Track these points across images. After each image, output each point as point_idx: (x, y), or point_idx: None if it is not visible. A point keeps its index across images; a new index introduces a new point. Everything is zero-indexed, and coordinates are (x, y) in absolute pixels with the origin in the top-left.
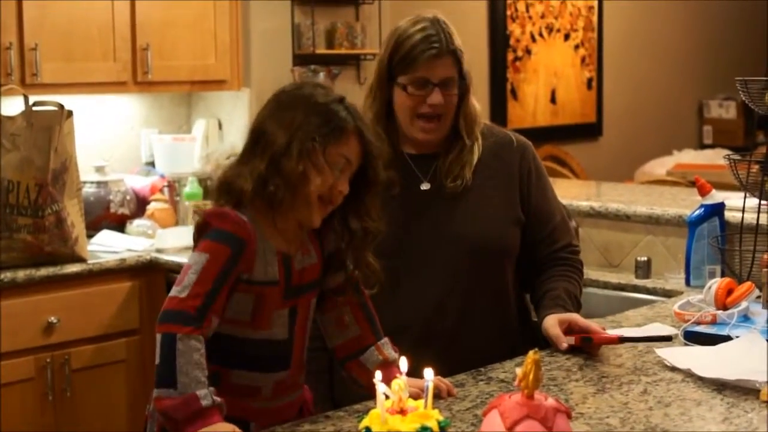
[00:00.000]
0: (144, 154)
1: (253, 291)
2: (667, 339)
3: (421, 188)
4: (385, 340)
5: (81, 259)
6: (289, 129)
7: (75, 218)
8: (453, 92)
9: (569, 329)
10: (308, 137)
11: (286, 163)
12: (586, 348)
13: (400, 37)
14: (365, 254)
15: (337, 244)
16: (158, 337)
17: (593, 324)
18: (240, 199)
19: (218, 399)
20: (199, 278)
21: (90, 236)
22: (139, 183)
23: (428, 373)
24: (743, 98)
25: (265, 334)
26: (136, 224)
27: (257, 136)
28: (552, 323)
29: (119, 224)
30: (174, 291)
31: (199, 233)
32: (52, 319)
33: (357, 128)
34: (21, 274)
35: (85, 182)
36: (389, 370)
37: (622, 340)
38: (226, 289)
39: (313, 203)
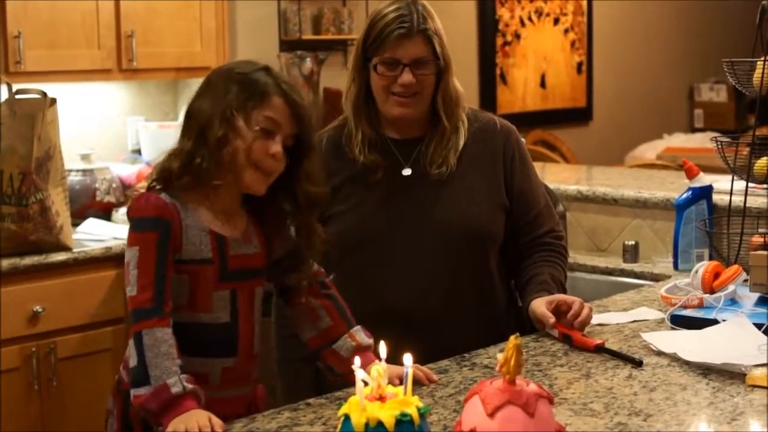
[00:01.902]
0: (130, 141)
1: (187, 271)
2: (638, 363)
3: (403, 173)
4: (358, 327)
5: (66, 248)
6: (211, 102)
7: (60, 207)
8: (426, 72)
9: (556, 312)
10: (228, 105)
11: (209, 133)
12: (566, 342)
13: (374, 19)
14: (311, 222)
15: (290, 246)
16: (131, 340)
17: (577, 302)
18: (169, 180)
19: (190, 386)
20: (139, 271)
21: (76, 224)
22: (125, 171)
23: (407, 359)
24: (730, 80)
25: (206, 318)
26: (122, 212)
27: (187, 118)
28: (539, 303)
29: (105, 212)
30: (127, 292)
31: (129, 221)
32: (38, 308)
33: (281, 90)
34: (5, 263)
35: (70, 170)
36: (364, 355)
37: (598, 349)
38: (170, 272)
39: (242, 170)
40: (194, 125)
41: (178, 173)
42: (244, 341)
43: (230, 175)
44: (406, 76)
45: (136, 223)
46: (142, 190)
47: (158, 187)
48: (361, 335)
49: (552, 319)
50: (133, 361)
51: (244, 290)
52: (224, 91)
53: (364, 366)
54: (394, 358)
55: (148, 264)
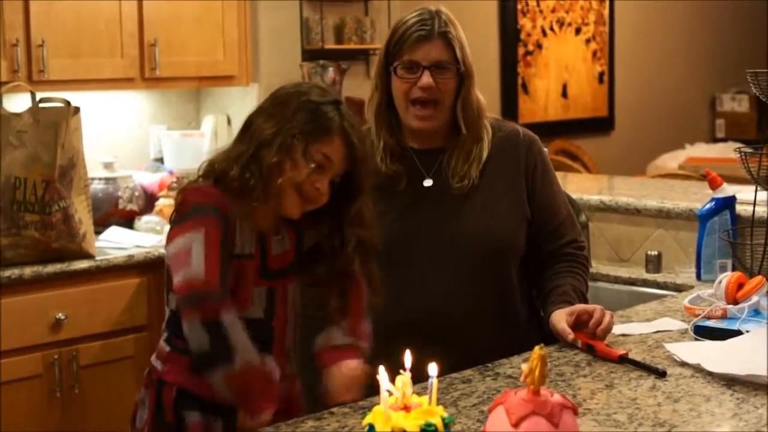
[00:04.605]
0: (152, 150)
1: (233, 264)
2: (662, 374)
3: (424, 184)
4: (345, 325)
5: (89, 256)
6: (276, 123)
7: (82, 214)
8: (446, 77)
9: (577, 322)
10: (291, 132)
11: (265, 154)
12: (589, 352)
13: (396, 25)
14: (369, 268)
15: (318, 239)
16: (194, 325)
17: (597, 310)
18: (220, 181)
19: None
20: (206, 254)
21: (98, 232)
22: (148, 179)
23: (432, 368)
24: (754, 91)
25: (243, 313)
26: (145, 220)
27: (247, 127)
28: (559, 317)
29: (128, 220)
30: (188, 274)
31: (180, 210)
32: (60, 315)
33: (343, 130)
34: (28, 271)
35: (93, 178)
36: (334, 353)
37: (621, 360)
38: (228, 258)
39: (286, 195)
40: (253, 140)
41: (230, 180)
42: (279, 338)
43: (276, 200)
44: (426, 79)
45: (197, 208)
46: (165, 200)
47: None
48: (337, 333)
49: (571, 335)
50: (204, 345)
51: (280, 289)
52: (291, 115)
53: (333, 363)
54: (416, 369)
55: (214, 247)
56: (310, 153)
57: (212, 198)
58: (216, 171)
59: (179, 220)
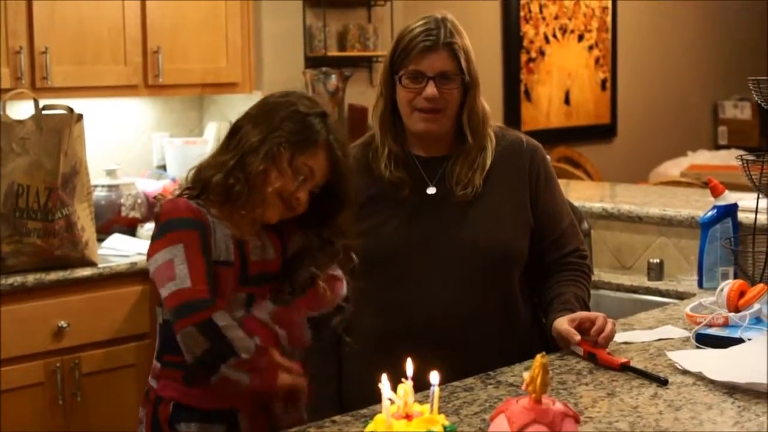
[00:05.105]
0: (155, 157)
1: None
2: (664, 382)
3: (427, 192)
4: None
5: (91, 263)
6: (263, 130)
7: (85, 222)
8: (451, 87)
9: (579, 329)
10: (278, 141)
11: (251, 161)
12: (591, 361)
13: (401, 33)
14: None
15: (304, 245)
16: (188, 330)
17: (600, 318)
18: (204, 188)
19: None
20: (189, 265)
21: (101, 240)
22: (151, 186)
23: (434, 376)
24: (756, 98)
25: None
26: (147, 228)
27: (234, 132)
28: (562, 321)
29: (130, 228)
30: (174, 286)
31: (157, 224)
32: (62, 323)
33: (328, 143)
34: (30, 278)
35: (96, 186)
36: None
37: (623, 368)
38: (211, 263)
39: (269, 203)
40: (239, 146)
41: (214, 186)
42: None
43: (259, 208)
44: (430, 89)
45: (173, 223)
46: (170, 196)
47: (185, 194)
48: (264, 306)
49: (577, 336)
50: (203, 347)
51: (260, 296)
52: (278, 124)
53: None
54: (418, 376)
55: (197, 258)
56: (294, 163)
57: (185, 210)
58: (201, 179)
59: (157, 235)
